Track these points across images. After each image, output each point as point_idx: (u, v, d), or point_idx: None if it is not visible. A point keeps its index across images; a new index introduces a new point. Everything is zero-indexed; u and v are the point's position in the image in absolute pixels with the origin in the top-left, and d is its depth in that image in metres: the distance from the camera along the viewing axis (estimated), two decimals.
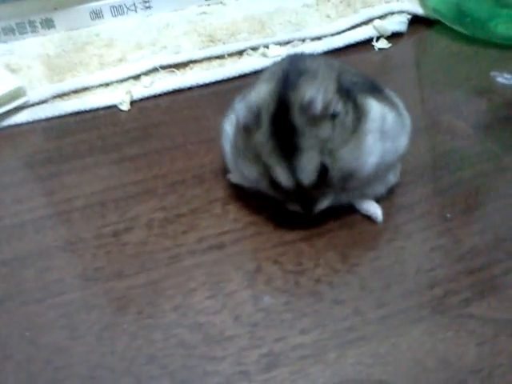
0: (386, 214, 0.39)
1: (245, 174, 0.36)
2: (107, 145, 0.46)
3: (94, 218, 0.40)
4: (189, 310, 0.33)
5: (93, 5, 0.60)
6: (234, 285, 0.35)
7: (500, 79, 0.54)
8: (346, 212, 0.38)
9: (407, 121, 0.38)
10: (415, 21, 0.61)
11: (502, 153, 0.44)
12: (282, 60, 0.39)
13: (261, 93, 0.34)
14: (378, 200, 0.39)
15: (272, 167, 0.34)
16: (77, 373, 0.30)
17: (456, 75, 0.54)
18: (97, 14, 0.60)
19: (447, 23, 0.59)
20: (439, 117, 0.48)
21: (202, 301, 0.34)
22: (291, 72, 0.35)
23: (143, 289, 0.35)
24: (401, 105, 0.39)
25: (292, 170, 0.34)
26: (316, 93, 0.33)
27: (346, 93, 0.35)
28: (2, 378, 0.31)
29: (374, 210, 0.38)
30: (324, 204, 0.36)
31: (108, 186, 0.42)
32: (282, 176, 0.34)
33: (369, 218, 0.38)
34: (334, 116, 0.33)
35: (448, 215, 0.39)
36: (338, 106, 0.34)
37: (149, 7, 0.62)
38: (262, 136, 0.34)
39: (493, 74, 0.55)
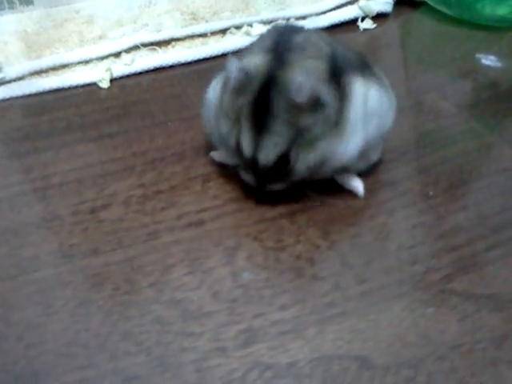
0: (368, 190, 0.38)
1: (220, 131, 0.36)
2: (86, 122, 0.45)
3: (70, 195, 0.39)
4: (166, 286, 0.33)
5: None
6: (213, 261, 0.34)
7: (485, 61, 0.54)
8: (327, 187, 0.38)
9: (393, 98, 0.38)
10: (400, 2, 0.60)
11: (485, 132, 0.44)
12: (275, 29, 0.38)
13: (255, 61, 0.34)
14: (359, 175, 0.38)
15: (242, 133, 0.34)
16: (50, 349, 0.30)
17: (441, 56, 0.54)
18: None
19: (432, 4, 0.59)
20: (423, 96, 0.48)
21: (179, 277, 0.33)
22: (283, 45, 0.34)
23: (120, 265, 0.34)
24: (387, 83, 0.38)
25: (255, 144, 0.34)
26: (305, 79, 0.32)
27: (335, 73, 0.34)
28: None
29: (356, 184, 0.37)
30: (277, 187, 0.36)
31: (86, 163, 0.41)
32: (245, 144, 0.34)
33: (350, 194, 0.38)
34: (318, 107, 0.33)
35: (431, 193, 0.38)
36: (325, 97, 0.33)
37: None
38: (245, 101, 0.33)
39: (478, 55, 0.54)
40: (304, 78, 0.32)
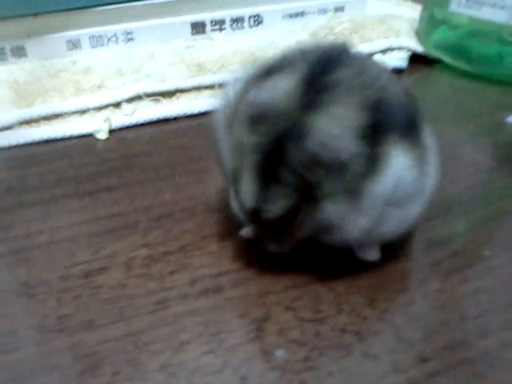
0: (414, 250, 0.33)
1: (224, 160, 0.30)
2: (80, 175, 0.39)
3: (60, 256, 0.32)
4: (180, 369, 0.26)
5: (70, 34, 0.54)
6: (237, 336, 0.27)
7: (510, 119, 0.51)
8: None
9: (430, 181, 0.30)
10: (415, 59, 0.58)
11: None
12: (318, 48, 0.30)
13: (278, 94, 0.27)
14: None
15: (244, 179, 0.28)
16: None
17: (464, 111, 0.51)
18: (74, 44, 0.55)
19: (449, 61, 0.56)
20: (457, 150, 0.43)
21: (197, 357, 0.26)
22: (319, 78, 0.27)
23: (121, 342, 0.27)
24: (434, 152, 0.31)
25: (257, 193, 0.27)
26: (332, 134, 0.25)
27: (374, 129, 0.26)
28: None
29: (371, 255, 0.31)
30: (276, 249, 0.30)
31: (79, 219, 0.35)
32: (247, 194, 0.28)
33: (394, 255, 0.32)
34: (340, 167, 0.26)
35: (487, 253, 0.33)
36: (351, 160, 0.26)
37: (131, 39, 0.57)
38: (253, 141, 0.27)
39: (502, 111, 0.51)
40: (332, 131, 0.26)
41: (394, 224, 0.29)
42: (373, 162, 0.27)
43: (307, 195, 0.27)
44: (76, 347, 0.27)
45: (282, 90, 0.27)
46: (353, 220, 0.28)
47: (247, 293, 0.30)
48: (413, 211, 0.30)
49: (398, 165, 0.27)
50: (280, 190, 0.27)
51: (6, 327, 0.28)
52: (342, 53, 0.29)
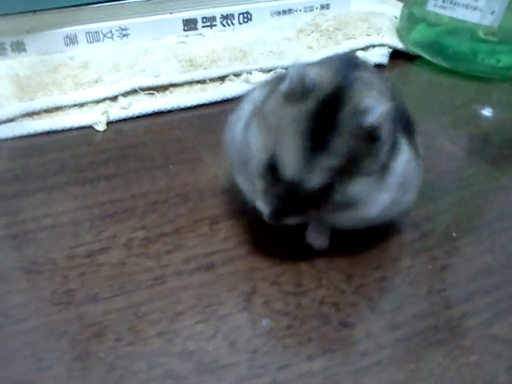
0: (387, 232, 0.36)
1: (250, 143, 0.30)
2: (80, 164, 0.42)
3: (65, 237, 0.35)
4: (177, 335, 0.29)
5: (67, 30, 0.57)
6: (227, 308, 0.31)
7: (483, 110, 0.54)
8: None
9: (421, 174, 0.34)
10: (395, 55, 0.61)
11: (499, 174, 0.42)
12: (337, 57, 0.34)
13: (320, 73, 0.29)
14: None
15: (285, 148, 0.28)
16: None
17: (440, 105, 0.54)
18: (71, 40, 0.57)
19: (427, 57, 0.59)
20: (432, 140, 0.46)
21: (191, 325, 0.29)
22: (351, 72, 0.30)
23: (122, 313, 0.30)
24: (421, 153, 0.34)
25: (303, 163, 0.28)
26: (377, 104, 0.28)
27: (394, 119, 0.29)
28: None
29: (320, 242, 0.34)
30: (295, 220, 0.30)
31: (81, 204, 0.38)
32: (289, 162, 0.28)
33: (370, 236, 0.35)
34: (376, 140, 0.28)
35: (454, 234, 0.36)
36: (387, 132, 0.28)
37: (126, 35, 0.60)
38: (300, 111, 0.28)
39: (476, 105, 0.54)
40: (376, 103, 0.28)
41: (400, 205, 0.32)
42: (393, 147, 0.30)
43: (347, 169, 0.28)
44: (82, 317, 0.30)
45: (323, 72, 0.29)
46: (378, 196, 0.30)
47: (236, 269, 0.33)
48: (412, 196, 0.33)
49: (406, 152, 0.31)
50: (327, 160, 0.28)
51: (18, 300, 0.31)
52: (357, 63, 0.33)
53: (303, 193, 0.28)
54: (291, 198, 0.29)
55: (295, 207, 0.29)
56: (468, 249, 0.35)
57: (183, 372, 0.27)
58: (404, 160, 0.31)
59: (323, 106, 0.28)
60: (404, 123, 0.32)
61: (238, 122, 0.33)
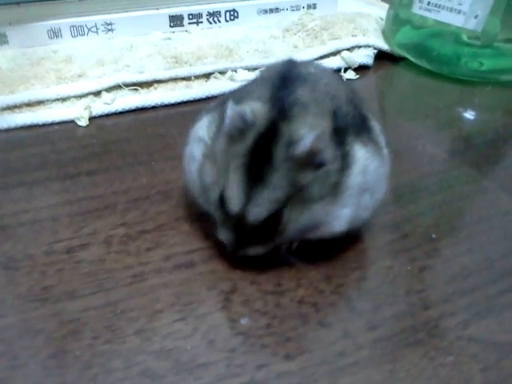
0: (368, 233, 0.36)
1: (204, 178, 0.32)
2: (62, 159, 0.42)
3: (44, 233, 0.35)
4: (154, 334, 0.29)
5: (51, 23, 0.56)
6: (206, 306, 0.30)
7: (466, 113, 0.55)
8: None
9: (388, 163, 0.34)
10: (381, 57, 0.61)
11: (479, 177, 0.43)
12: (277, 72, 0.33)
13: (255, 108, 0.30)
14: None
15: (230, 183, 0.30)
16: None
17: (423, 107, 0.54)
18: (55, 33, 0.57)
19: (412, 59, 0.60)
20: (414, 142, 0.47)
21: (169, 324, 0.29)
22: (286, 96, 0.30)
23: (100, 310, 0.30)
24: (383, 143, 0.35)
25: (246, 197, 0.29)
26: (307, 133, 0.29)
27: (338, 132, 0.30)
28: None
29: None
30: (256, 251, 0.31)
31: (61, 200, 0.38)
32: (233, 196, 0.30)
33: (350, 236, 0.35)
34: (319, 166, 0.29)
35: (433, 235, 0.36)
36: (327, 155, 0.29)
37: (111, 30, 0.59)
38: (240, 149, 0.30)
39: (459, 107, 0.55)
40: (306, 131, 0.29)
41: (369, 208, 0.33)
42: (343, 160, 0.31)
43: (294, 198, 0.29)
44: (59, 314, 0.29)
45: (257, 106, 0.30)
46: (338, 213, 0.31)
47: (216, 268, 0.33)
48: (380, 194, 0.34)
49: (362, 157, 0.32)
50: (266, 192, 0.29)
51: None
52: (300, 72, 0.33)
53: (250, 225, 0.30)
54: (241, 230, 0.30)
55: (250, 239, 0.31)
56: (447, 250, 0.35)
57: (160, 371, 0.27)
58: (361, 167, 0.31)
59: (260, 142, 0.29)
60: (357, 124, 0.33)
61: (192, 163, 0.34)
